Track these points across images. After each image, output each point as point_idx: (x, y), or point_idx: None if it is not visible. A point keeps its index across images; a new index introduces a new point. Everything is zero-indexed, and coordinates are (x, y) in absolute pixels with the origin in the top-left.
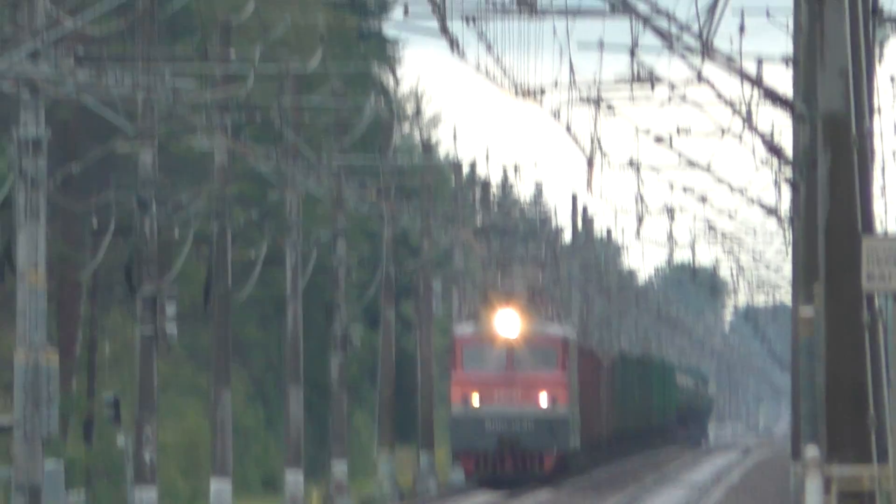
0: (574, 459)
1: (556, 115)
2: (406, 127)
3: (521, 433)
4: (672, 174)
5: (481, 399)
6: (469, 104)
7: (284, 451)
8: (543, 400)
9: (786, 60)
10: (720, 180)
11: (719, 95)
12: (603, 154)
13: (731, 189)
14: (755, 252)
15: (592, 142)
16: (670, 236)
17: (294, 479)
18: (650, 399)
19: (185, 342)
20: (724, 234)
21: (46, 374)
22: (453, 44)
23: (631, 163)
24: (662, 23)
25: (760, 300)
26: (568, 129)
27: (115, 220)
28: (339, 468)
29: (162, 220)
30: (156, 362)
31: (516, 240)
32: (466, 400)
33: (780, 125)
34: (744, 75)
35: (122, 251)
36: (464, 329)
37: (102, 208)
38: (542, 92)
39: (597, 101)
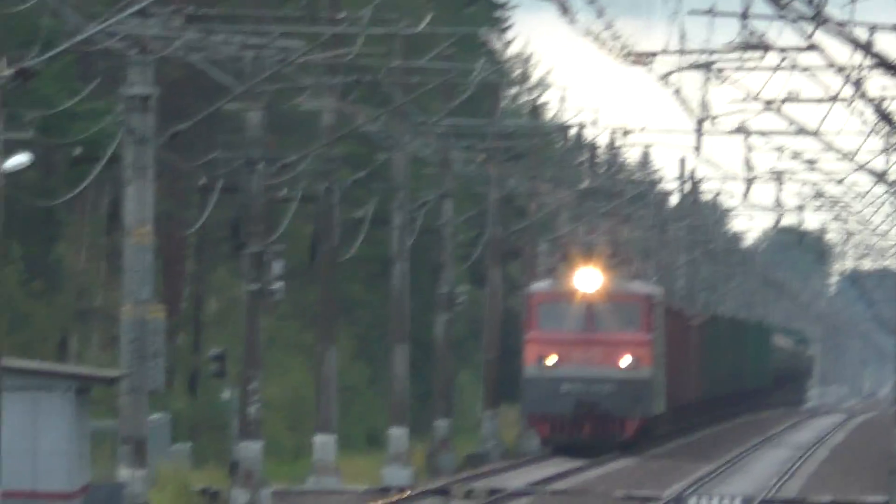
0: (659, 424)
1: (666, 80)
2: (514, 90)
3: (600, 396)
4: (780, 139)
5: (558, 359)
6: (578, 68)
7: (389, 409)
8: (625, 361)
9: None
10: (829, 146)
11: (830, 63)
12: (712, 119)
13: (840, 155)
14: (862, 217)
15: (701, 107)
16: (777, 201)
17: (398, 435)
18: (744, 361)
19: (291, 300)
20: (831, 200)
21: (152, 329)
22: (564, 8)
23: (739, 128)
24: None
25: (867, 265)
26: (677, 93)
27: (223, 178)
28: (443, 426)
29: (269, 179)
30: (261, 319)
31: (623, 202)
32: (541, 360)
33: (892, 92)
34: (855, 42)
35: (228, 209)
36: (540, 286)
37: (209, 166)
38: (652, 57)
39: (707, 67)
